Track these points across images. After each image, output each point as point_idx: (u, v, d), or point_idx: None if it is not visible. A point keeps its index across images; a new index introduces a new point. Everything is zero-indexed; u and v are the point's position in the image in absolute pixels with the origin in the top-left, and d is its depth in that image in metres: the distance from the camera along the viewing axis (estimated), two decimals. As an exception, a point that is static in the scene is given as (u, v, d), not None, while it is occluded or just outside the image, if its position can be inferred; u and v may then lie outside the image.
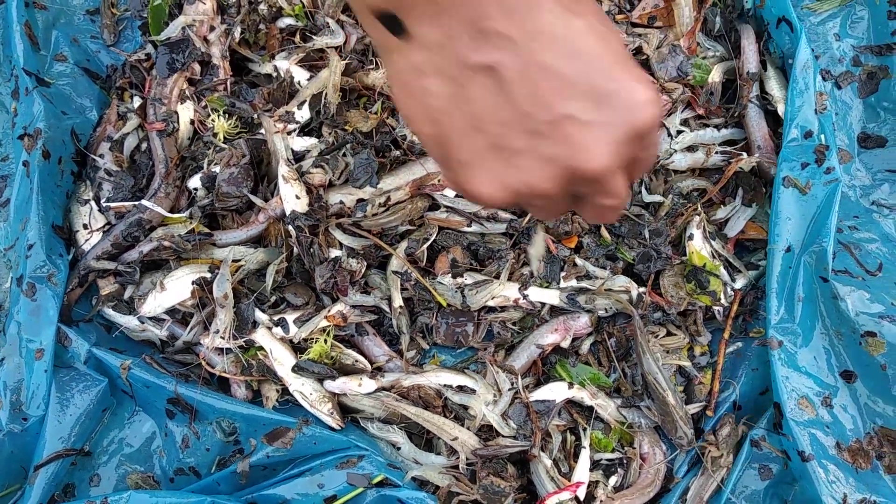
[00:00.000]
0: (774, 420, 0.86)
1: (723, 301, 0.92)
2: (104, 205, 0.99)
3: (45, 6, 1.12)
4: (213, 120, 1.03)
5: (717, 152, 1.01)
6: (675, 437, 0.87)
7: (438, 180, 0.99)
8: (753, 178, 0.98)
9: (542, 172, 0.51)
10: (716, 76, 1.01)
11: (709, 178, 1.01)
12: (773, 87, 1.01)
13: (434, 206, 1.01)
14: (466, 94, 0.50)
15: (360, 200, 0.98)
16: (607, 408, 0.89)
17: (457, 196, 1.00)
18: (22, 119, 1.00)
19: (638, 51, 1.04)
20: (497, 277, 0.96)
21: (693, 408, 0.89)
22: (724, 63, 1.04)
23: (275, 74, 1.08)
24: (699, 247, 0.92)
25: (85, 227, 0.99)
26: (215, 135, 1.03)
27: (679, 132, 1.01)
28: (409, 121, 0.53)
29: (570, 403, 0.91)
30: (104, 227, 0.99)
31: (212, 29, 1.07)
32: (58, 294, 0.91)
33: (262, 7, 1.09)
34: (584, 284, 0.95)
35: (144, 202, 0.96)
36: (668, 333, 0.93)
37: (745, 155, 0.97)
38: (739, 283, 0.94)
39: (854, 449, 0.82)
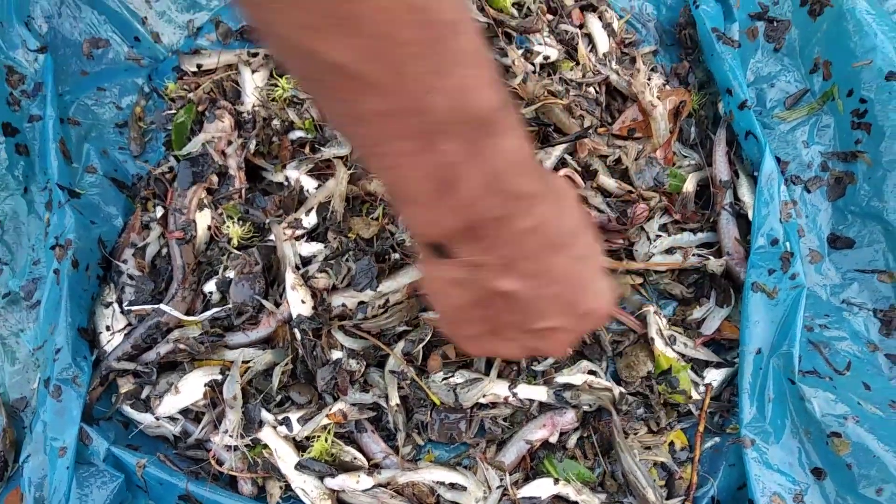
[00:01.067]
0: (750, 517, 0.90)
1: (695, 396, 0.97)
2: (126, 308, 1.08)
3: (79, 122, 1.23)
4: (228, 226, 1.13)
5: (693, 254, 1.08)
6: (657, 532, 0.92)
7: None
8: (724, 280, 1.05)
9: (518, 352, 0.71)
10: (689, 186, 1.09)
11: (683, 280, 1.09)
12: (745, 193, 1.10)
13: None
14: (485, 305, 0.64)
15: (360, 303, 1.05)
16: (592, 503, 0.94)
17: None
18: (54, 230, 1.10)
19: (618, 162, 1.13)
20: (488, 374, 1.02)
21: (674, 503, 0.94)
22: (698, 173, 1.12)
23: (286, 183, 1.18)
24: (662, 349, 0.98)
25: (108, 328, 1.08)
26: (229, 241, 1.12)
27: (657, 237, 1.09)
28: (433, 305, 0.72)
29: (557, 499, 0.96)
30: (125, 328, 1.08)
31: (229, 143, 1.17)
32: (81, 395, 0.99)
33: (276, 122, 1.20)
34: (568, 380, 1.01)
35: (163, 306, 1.05)
36: (649, 430, 0.98)
37: (711, 259, 1.04)
38: (710, 377, 1.00)
39: (825, 546, 0.86)
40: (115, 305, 1.09)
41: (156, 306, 1.05)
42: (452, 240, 0.59)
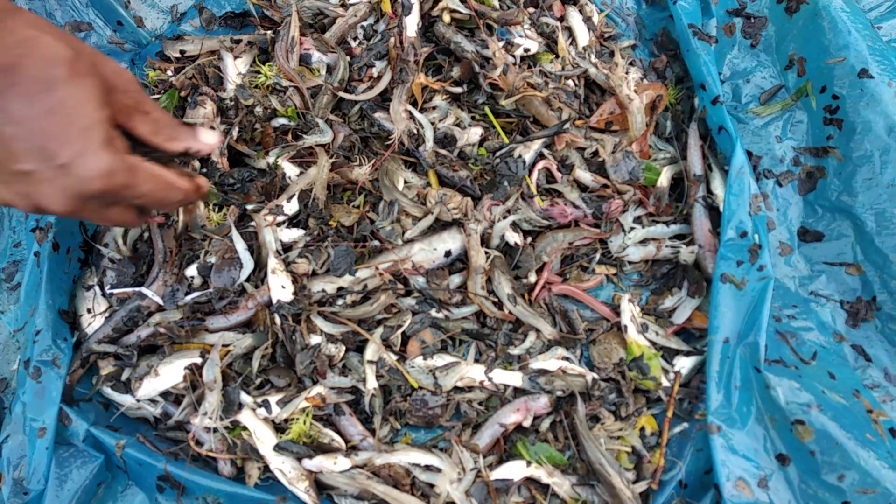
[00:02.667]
0: (715, 500, 0.93)
1: (665, 383, 1.00)
2: (107, 291, 1.09)
3: (61, 105, 1.23)
4: (207, 212, 1.13)
5: (666, 246, 1.11)
6: (625, 515, 0.94)
7: (412, 264, 1.08)
8: (697, 271, 1.07)
9: (14, 197, 0.72)
10: (664, 181, 1.12)
11: (656, 270, 1.12)
12: (717, 186, 1.12)
13: (408, 291, 1.10)
14: None
15: (340, 288, 1.07)
16: (563, 485, 0.96)
17: (426, 283, 1.09)
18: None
19: (595, 154, 1.15)
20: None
21: (640, 486, 0.96)
22: (672, 167, 1.14)
23: (268, 169, 1.18)
24: (635, 337, 1.01)
25: (89, 311, 1.08)
26: (203, 226, 1.12)
27: (632, 228, 1.11)
28: None
29: (529, 480, 0.98)
30: (106, 311, 1.09)
31: (211, 129, 1.18)
32: (61, 376, 0.99)
33: (258, 109, 1.20)
34: (542, 366, 1.03)
35: (143, 290, 1.06)
36: (617, 418, 1.01)
37: (683, 247, 1.07)
38: (680, 365, 1.03)
39: (787, 529, 0.89)
40: (97, 288, 1.10)
41: (137, 290, 1.06)
42: None
